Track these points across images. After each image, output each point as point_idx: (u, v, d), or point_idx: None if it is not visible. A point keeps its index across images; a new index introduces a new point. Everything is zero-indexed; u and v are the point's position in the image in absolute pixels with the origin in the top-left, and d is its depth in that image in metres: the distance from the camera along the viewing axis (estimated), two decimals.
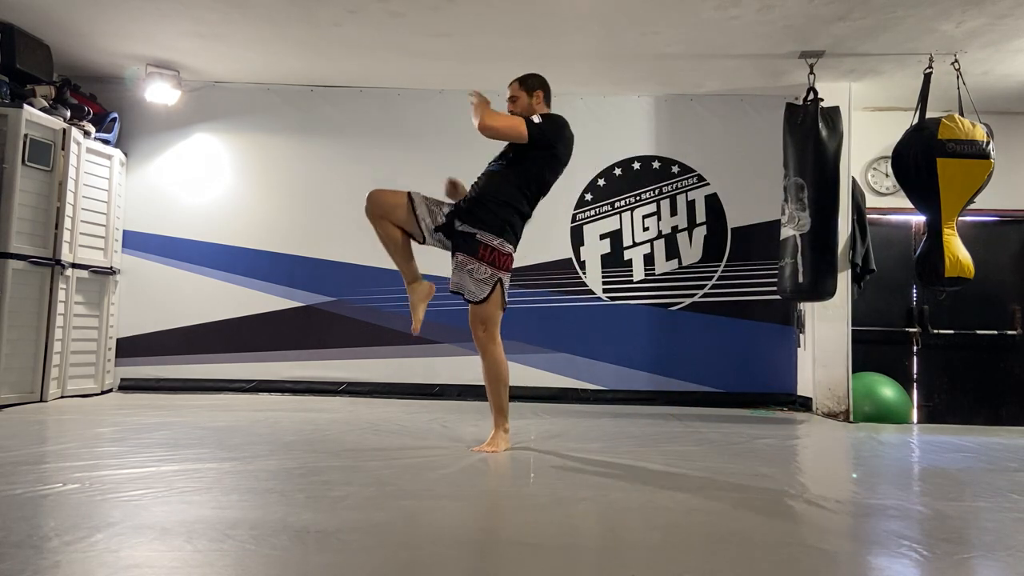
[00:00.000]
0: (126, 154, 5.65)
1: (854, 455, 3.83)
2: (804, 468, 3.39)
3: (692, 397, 5.59)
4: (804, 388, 5.52)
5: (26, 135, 4.58)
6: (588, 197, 5.79)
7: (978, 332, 5.92)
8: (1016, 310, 5.95)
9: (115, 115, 5.49)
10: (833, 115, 4.97)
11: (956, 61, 4.76)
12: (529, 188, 3.51)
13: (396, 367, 5.56)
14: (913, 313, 5.93)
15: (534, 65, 5.27)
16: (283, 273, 5.71)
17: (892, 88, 5.41)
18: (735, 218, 5.76)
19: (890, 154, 5.03)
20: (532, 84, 3.72)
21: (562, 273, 5.75)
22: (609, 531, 2.19)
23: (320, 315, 5.67)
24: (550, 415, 4.74)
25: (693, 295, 5.73)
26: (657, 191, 5.79)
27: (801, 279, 4.88)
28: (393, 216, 3.50)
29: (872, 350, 5.72)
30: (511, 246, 3.49)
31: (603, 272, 5.75)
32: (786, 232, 5.04)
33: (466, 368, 5.43)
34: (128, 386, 5.56)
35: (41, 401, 4.71)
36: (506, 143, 3.55)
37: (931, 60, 4.76)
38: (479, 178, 3.54)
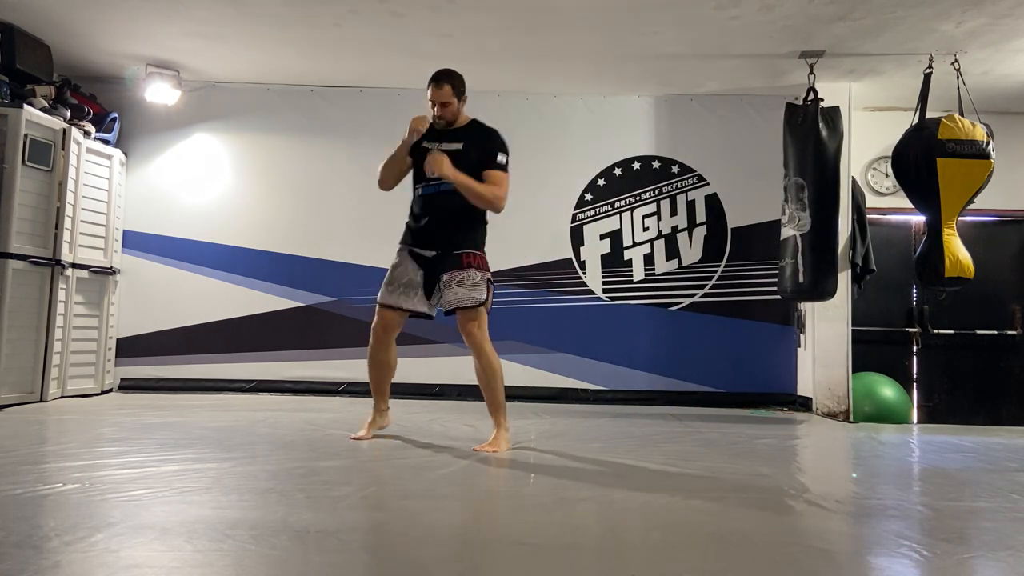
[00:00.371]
0: (126, 154, 5.65)
1: (854, 455, 3.83)
2: (804, 468, 3.39)
3: (692, 397, 5.59)
4: (804, 388, 5.52)
5: (26, 135, 4.57)
6: (588, 197, 5.79)
7: (978, 332, 5.92)
8: (1016, 310, 5.95)
9: (115, 115, 5.49)
10: (833, 115, 4.96)
11: (956, 61, 4.76)
12: None
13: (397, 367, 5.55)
14: (913, 313, 5.93)
15: (534, 65, 5.30)
16: (283, 273, 5.71)
17: (892, 88, 5.41)
18: (735, 218, 5.76)
19: (890, 154, 5.03)
20: (463, 89, 3.67)
21: (562, 273, 5.74)
22: (609, 531, 2.19)
23: (320, 315, 5.67)
24: (550, 415, 4.74)
25: (693, 295, 5.73)
26: (657, 191, 5.79)
27: (801, 279, 4.88)
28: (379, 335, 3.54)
29: (872, 350, 5.72)
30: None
31: (603, 272, 5.75)
32: (786, 232, 5.04)
33: (466, 368, 5.37)
34: (128, 386, 5.56)
35: (41, 401, 4.71)
36: (456, 162, 3.48)
37: (931, 60, 4.76)
38: (427, 207, 3.47)
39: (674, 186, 5.79)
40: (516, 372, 5.63)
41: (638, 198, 5.78)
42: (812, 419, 5.11)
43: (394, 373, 3.70)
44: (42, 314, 4.76)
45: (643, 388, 5.64)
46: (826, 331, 5.33)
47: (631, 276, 5.76)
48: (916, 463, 3.64)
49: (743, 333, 5.68)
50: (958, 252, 4.77)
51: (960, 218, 4.87)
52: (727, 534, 2.10)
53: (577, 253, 5.77)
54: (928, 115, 4.83)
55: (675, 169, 5.80)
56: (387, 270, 3.59)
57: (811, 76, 4.93)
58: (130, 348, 5.62)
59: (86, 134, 5.15)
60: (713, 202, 5.77)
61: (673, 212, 5.78)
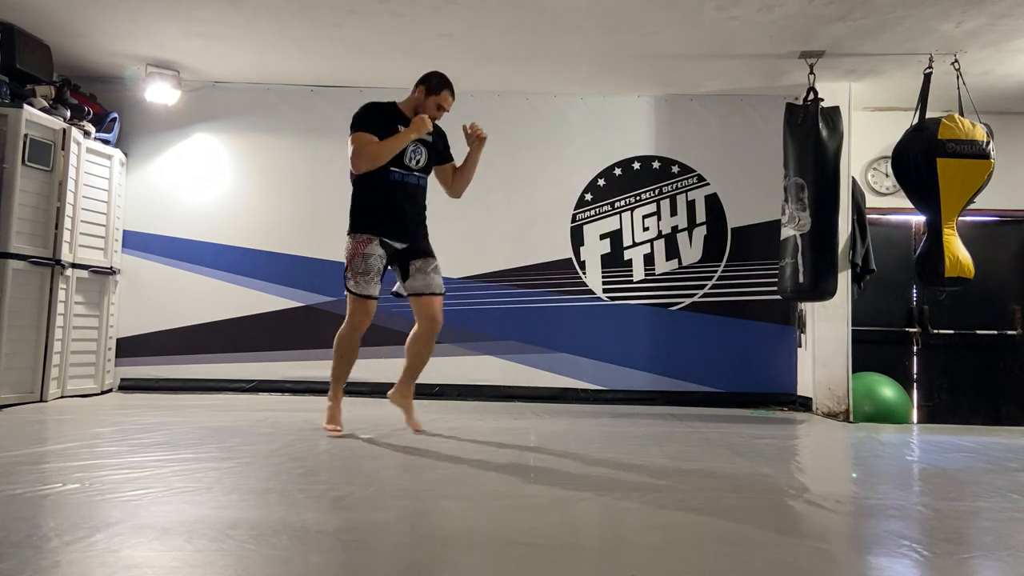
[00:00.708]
0: (126, 154, 5.65)
1: (854, 455, 3.83)
2: (804, 468, 3.39)
3: (692, 397, 5.59)
4: (804, 388, 5.52)
5: (26, 135, 4.58)
6: (588, 197, 5.79)
7: (978, 332, 5.92)
8: (1016, 310, 5.95)
9: (115, 115, 5.49)
10: (833, 115, 4.97)
11: (956, 61, 4.76)
12: None
13: (396, 367, 5.53)
14: (913, 313, 5.94)
15: (534, 65, 5.30)
16: (283, 273, 5.71)
17: (892, 88, 5.41)
18: (735, 218, 5.76)
19: (890, 154, 5.03)
20: None
21: (562, 273, 5.74)
22: (609, 531, 2.19)
23: (320, 315, 5.67)
24: (550, 415, 4.74)
25: (693, 295, 5.73)
26: (657, 191, 5.79)
27: (801, 279, 4.88)
28: (364, 327, 3.63)
29: (872, 350, 5.72)
30: None
31: (603, 272, 5.75)
32: (786, 232, 5.04)
33: (466, 368, 5.43)
34: (128, 386, 5.56)
35: (41, 401, 4.71)
36: (428, 154, 3.70)
37: (931, 60, 4.76)
38: (393, 195, 3.57)
39: (674, 186, 5.79)
40: (516, 372, 5.64)
41: (638, 198, 5.78)
42: (812, 419, 5.11)
43: None
44: (42, 314, 4.76)
45: (643, 388, 5.64)
46: (826, 331, 5.33)
47: (631, 276, 5.76)
48: (916, 463, 3.64)
49: (743, 333, 5.68)
50: (958, 252, 4.77)
51: (960, 218, 4.87)
52: (727, 534, 2.10)
53: (577, 253, 5.77)
54: (928, 115, 4.83)
55: (675, 169, 5.80)
56: (387, 271, 3.61)
57: (811, 76, 4.93)
58: (130, 348, 5.62)
59: (86, 134, 5.15)
60: (713, 202, 5.77)
61: (673, 212, 5.78)
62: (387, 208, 3.54)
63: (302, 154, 5.78)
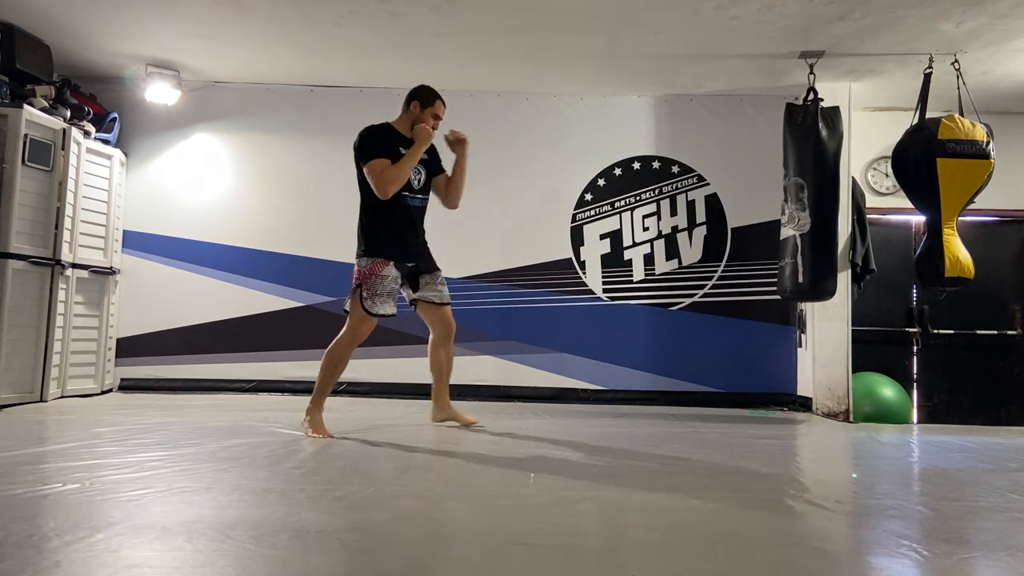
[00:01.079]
0: (126, 154, 5.65)
1: (854, 455, 3.83)
2: (804, 468, 3.39)
3: (692, 397, 5.59)
4: (804, 388, 5.52)
5: (26, 135, 4.58)
6: (588, 197, 5.79)
7: (978, 332, 5.92)
8: (1016, 310, 5.95)
9: (115, 115, 5.49)
10: (833, 115, 4.97)
11: (956, 61, 4.76)
12: None
13: (396, 367, 5.56)
14: (913, 313, 5.94)
15: (534, 65, 5.29)
16: (283, 273, 5.71)
17: (892, 88, 5.41)
18: (735, 218, 5.76)
19: (890, 154, 5.03)
20: None
21: (562, 273, 5.75)
22: (609, 531, 2.19)
23: (320, 315, 5.66)
24: (550, 415, 4.74)
25: (693, 295, 5.73)
26: (657, 191, 5.79)
27: (801, 279, 4.88)
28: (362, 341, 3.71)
29: (872, 350, 5.72)
30: None
31: (603, 272, 5.75)
32: (786, 232, 5.04)
33: (466, 368, 5.43)
34: (128, 386, 5.56)
35: (41, 401, 4.71)
36: (426, 172, 3.80)
37: (931, 60, 4.76)
38: (406, 220, 3.69)
39: (674, 186, 5.79)
40: (516, 372, 5.64)
41: (638, 198, 5.78)
42: (812, 419, 5.11)
43: None
44: (42, 314, 4.76)
45: (643, 388, 5.64)
46: (826, 331, 5.33)
47: (631, 276, 5.76)
48: (916, 463, 3.64)
49: (743, 333, 5.69)
50: (958, 252, 4.77)
51: (960, 218, 4.87)
52: (727, 534, 2.10)
53: (577, 253, 5.77)
54: (928, 115, 4.83)
55: (675, 169, 5.80)
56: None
57: (811, 76, 4.93)
58: (130, 348, 5.62)
59: (86, 134, 5.15)
60: (713, 202, 5.77)
61: (673, 212, 5.78)
62: (398, 232, 3.66)
63: (302, 154, 5.78)
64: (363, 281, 3.58)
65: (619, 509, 2.39)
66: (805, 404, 5.46)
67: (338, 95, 5.79)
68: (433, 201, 3.88)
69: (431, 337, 3.93)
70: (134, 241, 5.70)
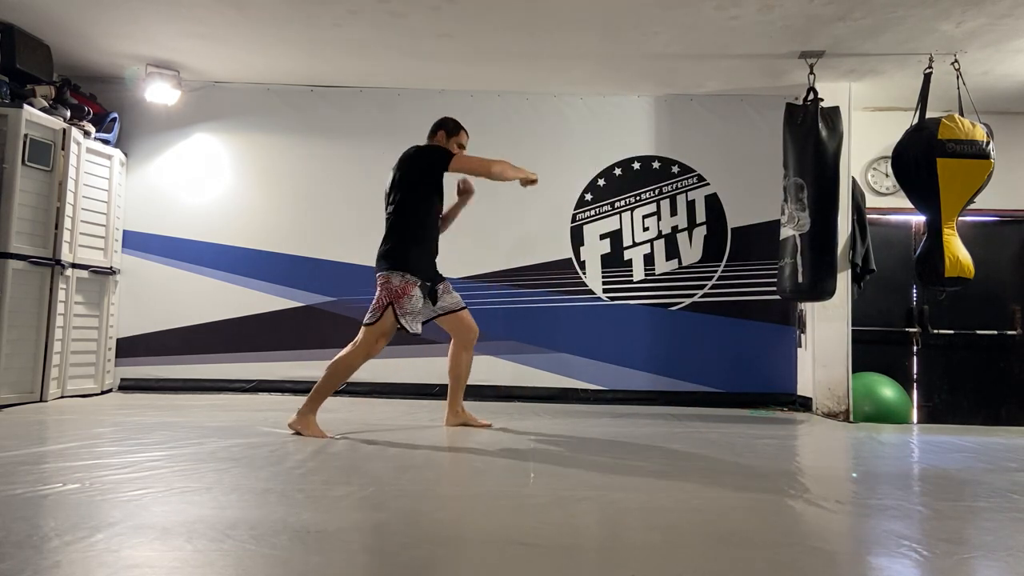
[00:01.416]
0: (126, 154, 5.65)
1: (854, 455, 3.83)
2: (804, 468, 3.39)
3: (692, 397, 5.59)
4: (804, 388, 5.52)
5: (26, 135, 4.58)
6: (588, 197, 5.79)
7: (978, 332, 5.92)
8: (1016, 310, 5.95)
9: (115, 115, 5.49)
10: (833, 115, 4.96)
11: (956, 61, 4.76)
12: None
13: (396, 367, 5.56)
14: (913, 313, 5.94)
15: (534, 65, 5.30)
16: (283, 273, 5.71)
17: (892, 88, 5.41)
18: (735, 218, 5.76)
19: (890, 154, 5.04)
20: None
21: (562, 273, 5.75)
22: (609, 531, 2.19)
23: (320, 315, 5.67)
24: (550, 415, 4.74)
25: (693, 295, 5.73)
26: (657, 191, 5.79)
27: (801, 279, 4.88)
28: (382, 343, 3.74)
29: (872, 350, 5.72)
30: None
31: (603, 272, 5.75)
32: (786, 232, 5.04)
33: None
34: (128, 386, 5.56)
35: (41, 401, 4.71)
36: (438, 188, 3.83)
37: (931, 60, 4.76)
38: (436, 242, 3.84)
39: (674, 186, 5.79)
40: (516, 372, 5.64)
41: (638, 198, 5.78)
42: (812, 419, 5.11)
43: None
44: (42, 314, 4.76)
45: (643, 388, 5.64)
46: (826, 331, 5.33)
47: (631, 276, 5.76)
48: (916, 463, 3.64)
49: (743, 333, 5.69)
50: (958, 252, 4.77)
51: (960, 218, 4.87)
52: (727, 534, 2.10)
53: (577, 253, 5.77)
54: (928, 115, 4.83)
55: (675, 169, 5.80)
56: None
57: (811, 76, 4.93)
58: (130, 348, 5.62)
59: (86, 134, 5.15)
60: (713, 202, 5.77)
61: (673, 212, 5.78)
62: (430, 251, 3.78)
63: (302, 154, 5.78)
64: (395, 300, 3.60)
65: (619, 509, 2.39)
66: (805, 404, 5.46)
67: (338, 95, 5.80)
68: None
69: (454, 342, 3.97)
70: (134, 241, 5.70)
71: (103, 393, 5.36)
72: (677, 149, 5.81)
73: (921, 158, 4.71)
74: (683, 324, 5.71)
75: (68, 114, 4.99)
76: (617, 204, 5.79)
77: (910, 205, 5.08)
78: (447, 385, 4.07)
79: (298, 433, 3.57)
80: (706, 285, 5.74)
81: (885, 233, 5.91)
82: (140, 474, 2.62)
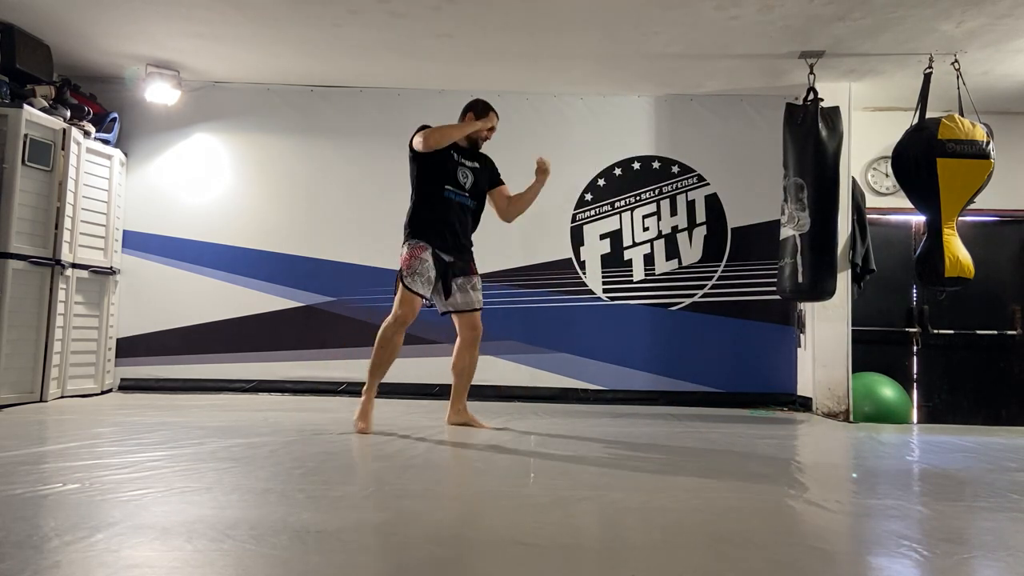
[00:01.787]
0: (126, 154, 5.65)
1: (854, 455, 3.83)
2: (804, 468, 3.39)
3: (692, 397, 5.59)
4: (804, 388, 5.52)
5: (26, 135, 4.57)
6: (588, 197, 5.79)
7: (978, 332, 5.92)
8: (1016, 310, 5.95)
9: (115, 115, 5.49)
10: (833, 115, 4.96)
11: (956, 61, 4.76)
12: None
13: (396, 367, 5.51)
14: (913, 313, 5.94)
15: (534, 65, 5.29)
16: (283, 273, 5.71)
17: (892, 88, 5.41)
18: (735, 218, 5.76)
19: (890, 154, 5.04)
20: None
21: (562, 273, 5.75)
22: (609, 531, 2.19)
23: (320, 315, 5.67)
24: (550, 415, 4.74)
25: (693, 295, 5.73)
26: (657, 191, 5.79)
27: (801, 279, 4.88)
28: (408, 321, 3.79)
29: (872, 350, 5.72)
30: None
31: (603, 272, 5.75)
32: (786, 232, 5.03)
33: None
34: (128, 386, 5.56)
35: (41, 401, 4.71)
36: (475, 177, 3.94)
37: (931, 60, 4.76)
38: (447, 214, 3.84)
39: (674, 186, 5.79)
40: (516, 372, 5.64)
41: (638, 198, 5.78)
42: (812, 419, 5.11)
43: None
44: (42, 314, 4.76)
45: (643, 388, 5.64)
46: (826, 331, 5.33)
47: (631, 276, 5.76)
48: (916, 463, 3.64)
49: (743, 333, 5.69)
50: (958, 252, 4.77)
51: (960, 218, 4.87)
52: (727, 534, 2.10)
53: (577, 253, 5.77)
54: (928, 115, 4.83)
55: (675, 169, 5.80)
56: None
57: (811, 76, 4.93)
58: (130, 348, 5.62)
59: (86, 134, 5.15)
60: (713, 202, 5.77)
61: (673, 212, 5.78)
62: (441, 223, 3.82)
63: (302, 154, 5.79)
64: (406, 264, 3.75)
65: (619, 509, 2.39)
66: (805, 404, 5.46)
67: (338, 95, 5.80)
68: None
69: (458, 340, 4.01)
70: (134, 241, 5.70)
71: (103, 393, 5.36)
72: (677, 149, 5.81)
73: (921, 158, 4.71)
74: (683, 324, 5.71)
75: (68, 114, 4.99)
76: (617, 204, 5.79)
77: (910, 205, 5.08)
78: (448, 385, 4.08)
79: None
80: (706, 285, 5.74)
81: (885, 233, 5.91)
82: (140, 474, 2.62)
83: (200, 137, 5.79)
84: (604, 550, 1.99)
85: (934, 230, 4.83)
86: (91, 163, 5.21)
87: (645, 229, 5.77)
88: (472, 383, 4.11)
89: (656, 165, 5.81)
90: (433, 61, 5.21)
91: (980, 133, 4.66)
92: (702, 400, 5.58)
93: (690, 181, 5.79)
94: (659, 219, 5.78)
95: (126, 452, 3.05)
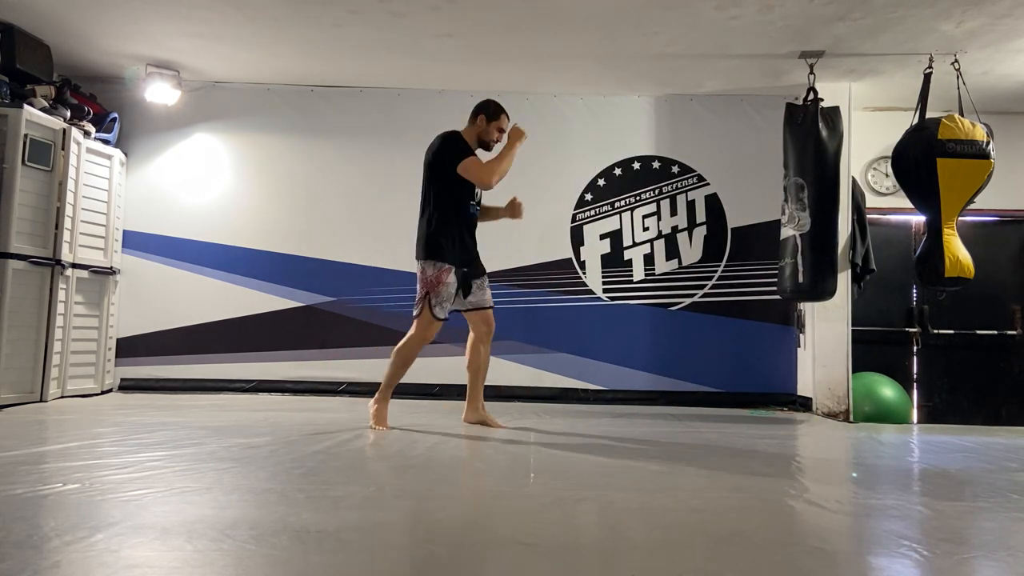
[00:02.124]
0: (126, 154, 5.65)
1: (854, 455, 3.83)
2: (804, 468, 3.39)
3: (692, 397, 5.59)
4: (804, 388, 5.52)
5: (26, 135, 4.57)
6: (588, 197, 5.79)
7: (978, 332, 5.92)
8: (1016, 310, 5.95)
9: (115, 115, 5.49)
10: (833, 115, 4.96)
11: (956, 61, 4.76)
12: None
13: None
14: (913, 313, 5.94)
15: (534, 65, 5.29)
16: (283, 273, 5.71)
17: (892, 88, 5.41)
18: (735, 218, 5.76)
19: (890, 154, 5.04)
20: None
21: (562, 273, 5.75)
22: (609, 531, 2.19)
23: (320, 315, 5.67)
24: (550, 415, 4.74)
25: (693, 295, 5.73)
26: (657, 191, 5.79)
27: (801, 279, 4.88)
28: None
29: (872, 350, 5.72)
30: None
31: (603, 272, 5.75)
32: (786, 232, 5.04)
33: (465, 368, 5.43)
34: (128, 386, 5.56)
35: (41, 401, 4.71)
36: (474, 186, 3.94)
37: (931, 60, 4.76)
38: (469, 228, 3.93)
39: (674, 186, 5.79)
40: (516, 372, 5.64)
41: (638, 198, 5.78)
42: (812, 419, 5.11)
43: None
44: (42, 314, 4.76)
45: (643, 388, 5.64)
46: (826, 331, 5.33)
47: (631, 276, 5.76)
48: (916, 463, 3.64)
49: (743, 333, 5.68)
50: (958, 252, 4.77)
51: (960, 218, 4.87)
52: (727, 534, 2.10)
53: (577, 253, 5.77)
54: (928, 115, 4.83)
55: (675, 169, 5.80)
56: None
57: (811, 76, 4.93)
58: (130, 348, 5.62)
59: (86, 134, 5.14)
60: (713, 202, 5.77)
61: (673, 212, 5.78)
62: (463, 239, 3.87)
63: (302, 154, 5.79)
64: (431, 289, 3.78)
65: (619, 509, 2.39)
66: (805, 404, 5.46)
67: (338, 95, 5.80)
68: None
69: (471, 337, 4.05)
70: (134, 241, 5.70)
71: (103, 393, 5.36)
72: (677, 149, 5.80)
73: (921, 158, 4.71)
74: (683, 324, 5.71)
75: (68, 114, 4.99)
76: (617, 204, 5.79)
77: (910, 205, 5.08)
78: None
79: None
80: (706, 285, 5.74)
81: (885, 233, 5.91)
82: (140, 474, 2.62)
83: (200, 137, 5.79)
84: (604, 550, 1.99)
85: (934, 230, 4.83)
86: (91, 163, 5.21)
87: (645, 229, 5.77)
88: None
89: (656, 165, 5.81)
90: (433, 61, 5.21)
91: (980, 133, 4.66)
92: (702, 400, 5.58)
93: (690, 181, 5.79)
94: (659, 219, 5.78)
95: (126, 452, 3.06)
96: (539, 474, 2.86)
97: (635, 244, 5.77)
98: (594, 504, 2.43)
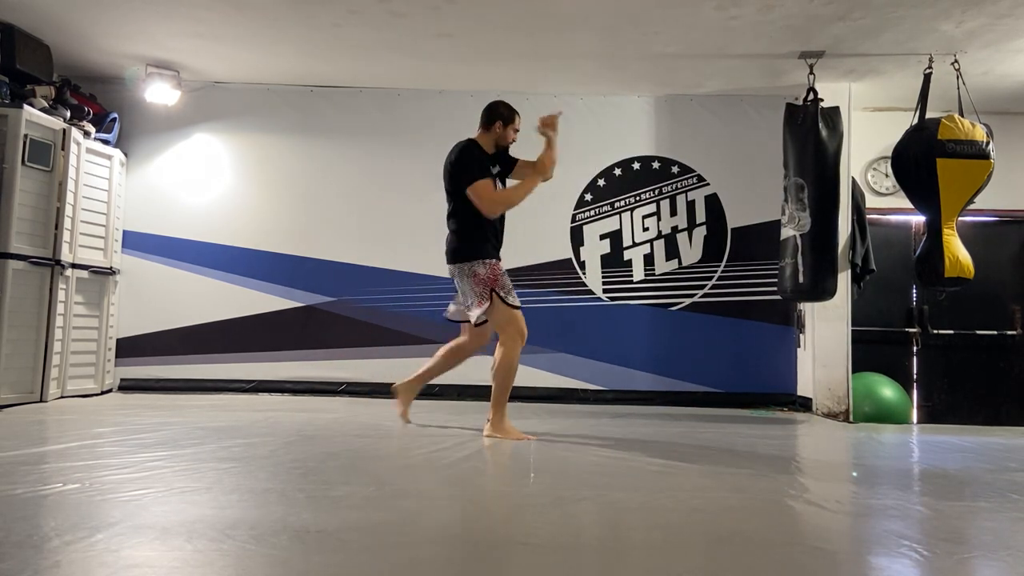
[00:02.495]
0: (126, 154, 5.65)
1: (854, 455, 3.83)
2: (804, 468, 3.39)
3: (692, 397, 5.59)
4: (804, 388, 5.52)
5: (26, 135, 4.57)
6: (588, 197, 5.79)
7: (978, 332, 5.92)
8: (1016, 310, 5.95)
9: (115, 115, 5.49)
10: (833, 115, 4.97)
11: (956, 61, 4.76)
12: None
13: (396, 367, 5.54)
14: (913, 313, 5.93)
15: (534, 65, 5.30)
16: (283, 273, 5.71)
17: (892, 88, 5.41)
18: (735, 218, 5.76)
19: (890, 154, 5.04)
20: None
21: (562, 273, 5.74)
22: (609, 531, 2.19)
23: (320, 315, 5.67)
24: (550, 415, 4.74)
25: (693, 295, 5.73)
26: (657, 191, 5.79)
27: (801, 279, 4.88)
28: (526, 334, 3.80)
29: (872, 350, 5.72)
30: None
31: (603, 272, 5.75)
32: (786, 232, 5.04)
33: (466, 368, 5.42)
34: (128, 386, 5.56)
35: (41, 401, 4.71)
36: (503, 184, 3.96)
37: (931, 60, 4.76)
38: (500, 221, 3.92)
39: (674, 186, 5.79)
40: (517, 372, 5.62)
41: (638, 198, 5.78)
42: (812, 419, 5.11)
43: None
44: (42, 314, 4.76)
45: (643, 388, 5.64)
46: (826, 331, 5.33)
47: (631, 276, 5.76)
48: (916, 463, 3.64)
49: (743, 333, 5.68)
50: (958, 252, 4.78)
51: (960, 218, 4.87)
52: (727, 534, 2.10)
53: (577, 253, 5.77)
54: (928, 115, 4.83)
55: (675, 169, 5.80)
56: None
57: (811, 76, 4.94)
58: (130, 348, 5.62)
59: (86, 134, 5.15)
60: (713, 202, 5.77)
61: (673, 212, 5.78)
62: (498, 236, 3.88)
63: (302, 154, 5.79)
64: (494, 285, 3.71)
65: (619, 509, 2.38)
66: (805, 404, 5.46)
67: (338, 95, 5.80)
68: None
69: (461, 340, 4.01)
70: (134, 241, 5.70)
71: (103, 393, 5.36)
72: (677, 149, 5.80)
73: (921, 158, 4.71)
74: (683, 324, 5.71)
75: (68, 114, 4.99)
76: (617, 204, 5.79)
77: (910, 205, 5.08)
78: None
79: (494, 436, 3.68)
80: (706, 285, 5.74)
81: (885, 233, 5.91)
82: (140, 474, 2.62)
83: (200, 137, 5.79)
84: (604, 550, 1.99)
85: (934, 230, 4.83)
86: (91, 163, 5.21)
87: (645, 229, 5.77)
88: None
89: (656, 165, 5.80)
90: (433, 61, 5.21)
91: (980, 133, 4.66)
92: (702, 400, 5.58)
93: (690, 181, 5.79)
94: (659, 219, 5.78)
95: (126, 452, 3.05)
96: (539, 474, 2.86)
97: (635, 244, 5.77)
98: (594, 504, 2.43)
